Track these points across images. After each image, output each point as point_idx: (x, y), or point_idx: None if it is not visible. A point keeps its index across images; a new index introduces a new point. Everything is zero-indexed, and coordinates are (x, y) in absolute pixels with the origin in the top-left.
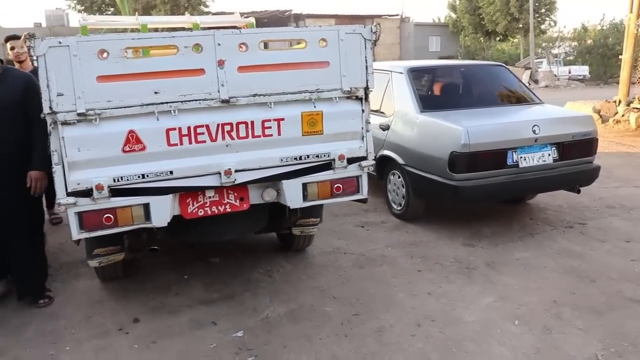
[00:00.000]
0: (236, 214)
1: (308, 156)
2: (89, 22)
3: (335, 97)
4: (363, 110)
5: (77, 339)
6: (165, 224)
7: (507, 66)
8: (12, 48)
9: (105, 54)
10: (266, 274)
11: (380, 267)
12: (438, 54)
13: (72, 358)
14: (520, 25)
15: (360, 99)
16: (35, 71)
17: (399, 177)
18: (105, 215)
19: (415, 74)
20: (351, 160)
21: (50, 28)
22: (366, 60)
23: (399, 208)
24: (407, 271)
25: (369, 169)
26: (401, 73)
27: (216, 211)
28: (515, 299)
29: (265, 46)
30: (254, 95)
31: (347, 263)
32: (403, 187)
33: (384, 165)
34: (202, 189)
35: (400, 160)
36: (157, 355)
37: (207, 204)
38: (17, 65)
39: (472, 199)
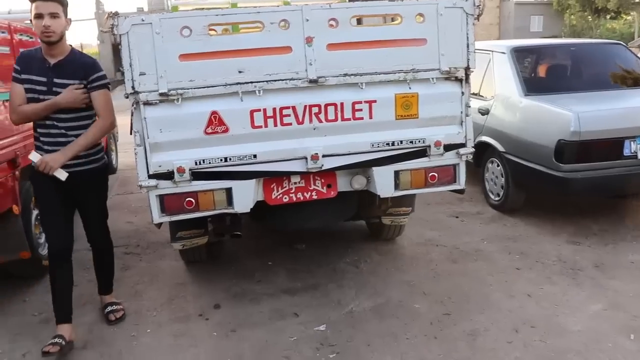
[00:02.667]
0: (323, 201)
1: (401, 142)
2: (180, 1)
3: (433, 78)
4: (463, 93)
5: (158, 321)
6: (248, 210)
7: (626, 45)
8: (39, 16)
9: (188, 32)
10: (353, 264)
11: (475, 263)
12: (540, 34)
13: (152, 341)
14: (637, 0)
15: (460, 80)
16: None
17: (498, 166)
18: (187, 199)
19: (520, 54)
20: (448, 147)
21: (151, 12)
22: (467, 38)
23: (496, 199)
24: (504, 268)
25: (467, 157)
26: (504, 53)
27: (302, 198)
28: (629, 308)
29: (358, 22)
30: (344, 75)
31: (440, 256)
32: (502, 177)
33: (481, 152)
34: (287, 174)
35: (500, 148)
36: (235, 345)
37: (292, 190)
38: (43, 48)
39: (580, 193)
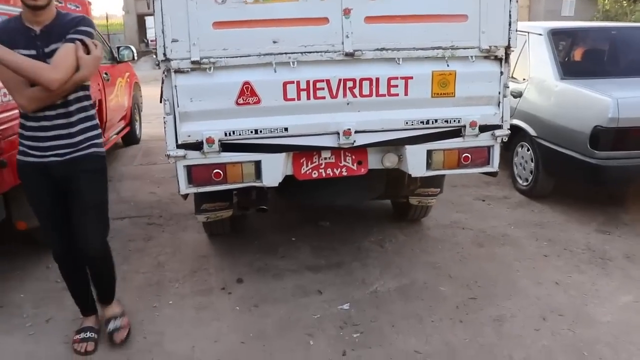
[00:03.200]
0: (352, 178)
1: (436, 120)
2: None
3: (472, 56)
4: (502, 73)
5: (180, 293)
6: (276, 184)
7: None
8: None
9: None
10: (377, 243)
11: (502, 248)
12: (571, 19)
13: (174, 313)
14: None
15: (500, 60)
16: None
17: (528, 150)
18: (215, 171)
19: (557, 36)
20: (483, 128)
21: None
22: (510, 15)
23: (524, 183)
24: (532, 255)
25: (502, 139)
26: (540, 35)
27: (331, 174)
28: None
29: None
30: (381, 50)
31: (466, 239)
32: (532, 161)
33: (512, 135)
34: (317, 149)
35: (531, 132)
36: (257, 320)
37: (322, 166)
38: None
39: (615, 182)
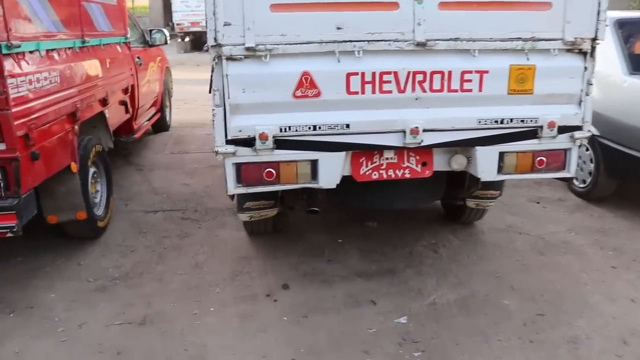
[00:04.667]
0: (412, 180)
1: (511, 120)
2: None
3: (554, 49)
4: (586, 68)
5: (222, 300)
6: (334, 186)
7: None
8: None
9: None
10: (430, 248)
11: (565, 256)
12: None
13: (217, 322)
14: None
15: (584, 54)
16: None
17: (587, 150)
18: (267, 170)
19: (625, 27)
20: (562, 129)
21: None
22: (599, 4)
23: (582, 185)
24: (599, 266)
25: (582, 141)
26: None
27: (392, 175)
28: None
29: None
30: (455, 40)
31: (524, 246)
32: (591, 162)
33: None
34: (380, 149)
35: (593, 131)
36: (308, 333)
37: (384, 167)
38: None
39: None
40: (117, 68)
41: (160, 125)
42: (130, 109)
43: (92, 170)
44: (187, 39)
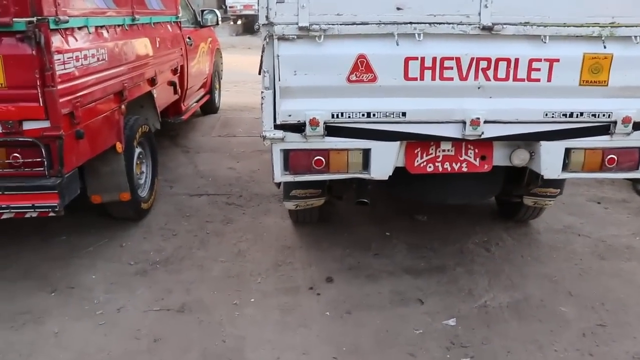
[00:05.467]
0: (469, 174)
1: (582, 114)
2: None
3: (636, 37)
4: None
5: (263, 290)
6: (386, 177)
7: None
8: None
9: None
10: (482, 245)
11: (628, 263)
12: None
13: (256, 313)
14: None
15: None
16: None
17: None
18: (316, 158)
19: None
20: (637, 126)
21: None
22: None
23: None
24: None
25: None
26: None
27: (449, 169)
28: None
29: None
30: (525, 24)
31: (583, 249)
32: None
33: None
34: (437, 140)
35: None
36: (351, 331)
37: (440, 159)
38: None
39: None
40: (166, 48)
41: (209, 107)
42: (179, 90)
43: (137, 150)
44: (239, 22)
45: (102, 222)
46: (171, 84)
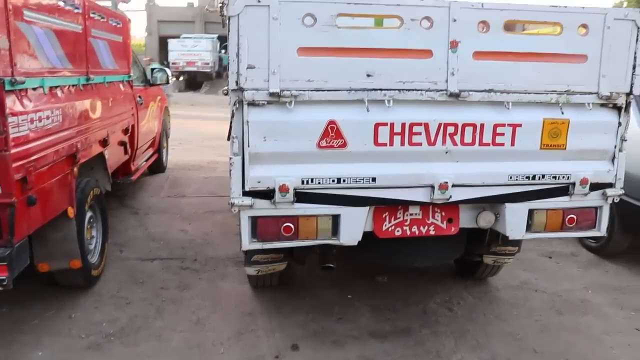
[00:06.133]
0: (435, 237)
1: (543, 176)
2: None
3: (589, 103)
4: (620, 124)
5: None
6: (355, 243)
7: None
8: None
9: (311, 20)
10: (445, 305)
11: (585, 317)
12: None
13: None
14: None
15: (619, 108)
16: None
17: None
18: (285, 224)
19: None
20: (594, 187)
21: (200, 8)
22: (635, 58)
23: (594, 240)
24: (622, 327)
25: (614, 199)
26: None
27: (417, 232)
28: None
29: (507, 27)
30: (489, 91)
31: (542, 304)
32: None
33: None
34: (406, 204)
35: None
36: None
37: (407, 223)
38: None
39: None
40: (119, 107)
41: (157, 167)
42: (130, 150)
43: (88, 214)
44: (181, 78)
45: (47, 291)
46: (122, 143)
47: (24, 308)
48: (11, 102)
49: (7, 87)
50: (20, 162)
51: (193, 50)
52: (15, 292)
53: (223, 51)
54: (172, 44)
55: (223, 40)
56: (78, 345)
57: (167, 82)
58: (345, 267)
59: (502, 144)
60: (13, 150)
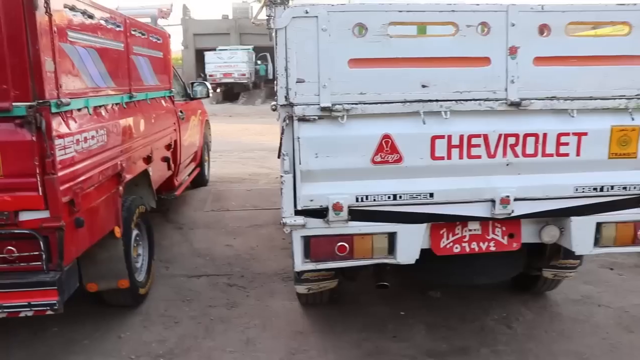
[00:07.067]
0: (494, 253)
1: (612, 187)
2: None
3: None
4: None
5: None
6: (412, 262)
7: None
8: None
9: (362, 30)
10: (502, 322)
11: None
12: None
13: None
14: None
15: None
16: None
17: None
18: (339, 244)
19: None
20: None
21: (235, 20)
22: None
23: None
24: None
25: None
26: None
27: (476, 249)
28: None
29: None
30: (552, 99)
31: (607, 321)
32: None
33: None
34: (465, 219)
35: None
36: None
37: (466, 239)
38: None
39: None
40: (161, 123)
41: (199, 180)
42: (173, 165)
43: (134, 233)
44: (218, 90)
45: (96, 310)
46: (165, 159)
47: (74, 328)
48: (57, 124)
49: (53, 110)
50: (68, 185)
51: (229, 62)
52: (65, 311)
53: (259, 62)
54: (208, 56)
55: (258, 51)
56: None
57: (207, 96)
58: (395, 282)
59: (567, 154)
60: (60, 173)
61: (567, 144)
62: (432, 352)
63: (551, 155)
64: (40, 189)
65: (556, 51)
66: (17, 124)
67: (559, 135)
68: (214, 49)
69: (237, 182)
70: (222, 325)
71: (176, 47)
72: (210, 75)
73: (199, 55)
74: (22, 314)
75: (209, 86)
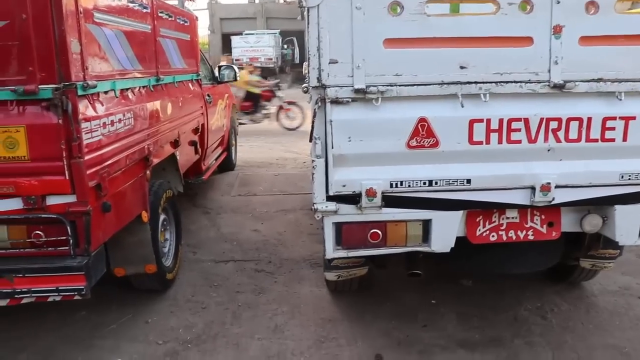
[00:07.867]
0: (531, 241)
1: None
2: None
3: None
4: None
5: None
6: (448, 250)
7: None
8: None
9: (398, 8)
10: (537, 312)
11: None
12: None
13: None
14: None
15: None
16: None
17: None
18: (372, 231)
19: None
20: None
21: (262, 4)
22: None
23: None
24: None
25: None
26: None
27: (514, 237)
28: None
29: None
30: (598, 81)
31: None
32: None
33: None
34: (503, 207)
35: None
36: None
37: (504, 227)
38: None
39: None
40: (189, 106)
41: (226, 165)
42: (200, 149)
43: (162, 217)
44: None
45: (123, 295)
46: (192, 143)
47: (102, 312)
48: (84, 107)
49: (80, 92)
50: (94, 169)
51: (256, 46)
52: (92, 296)
53: (285, 46)
54: (235, 40)
55: (285, 35)
56: (155, 351)
57: (235, 79)
58: (425, 269)
59: (613, 140)
60: (87, 157)
61: (613, 128)
62: (463, 342)
63: (596, 140)
64: (66, 172)
65: (604, 30)
66: (43, 106)
67: (605, 119)
68: (241, 34)
69: (265, 166)
70: (249, 311)
71: (202, 32)
72: (236, 60)
73: (226, 40)
74: (50, 299)
75: (237, 70)
